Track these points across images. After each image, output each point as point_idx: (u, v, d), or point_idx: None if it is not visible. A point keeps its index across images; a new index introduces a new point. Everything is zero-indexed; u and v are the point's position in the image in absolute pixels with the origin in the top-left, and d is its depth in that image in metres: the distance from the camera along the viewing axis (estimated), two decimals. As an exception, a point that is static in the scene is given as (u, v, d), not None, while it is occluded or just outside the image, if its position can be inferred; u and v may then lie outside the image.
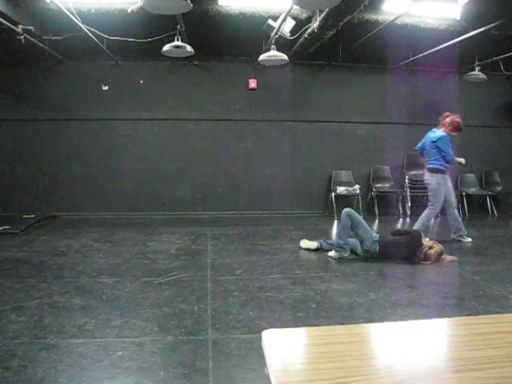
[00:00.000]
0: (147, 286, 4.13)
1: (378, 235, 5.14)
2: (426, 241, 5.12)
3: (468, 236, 6.19)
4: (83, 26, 5.87)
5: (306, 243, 5.60)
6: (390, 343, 1.01)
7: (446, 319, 1.11)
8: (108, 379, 2.44)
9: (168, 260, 5.08)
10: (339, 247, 5.15)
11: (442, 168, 5.93)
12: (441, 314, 3.53)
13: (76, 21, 5.62)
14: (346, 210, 5.16)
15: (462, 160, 6.16)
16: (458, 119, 5.97)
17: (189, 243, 6.00)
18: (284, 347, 0.93)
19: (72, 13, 5.50)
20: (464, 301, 3.90)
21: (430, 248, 4.96)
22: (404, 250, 4.97)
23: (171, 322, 3.28)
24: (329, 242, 5.52)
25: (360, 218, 5.17)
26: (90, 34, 6.20)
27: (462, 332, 1.09)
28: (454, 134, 6.00)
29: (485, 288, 4.23)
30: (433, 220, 6.23)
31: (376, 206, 8.59)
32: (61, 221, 7.71)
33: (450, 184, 6.11)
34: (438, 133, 6.00)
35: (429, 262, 4.92)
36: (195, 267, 4.80)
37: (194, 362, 2.68)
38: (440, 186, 5.97)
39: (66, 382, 2.39)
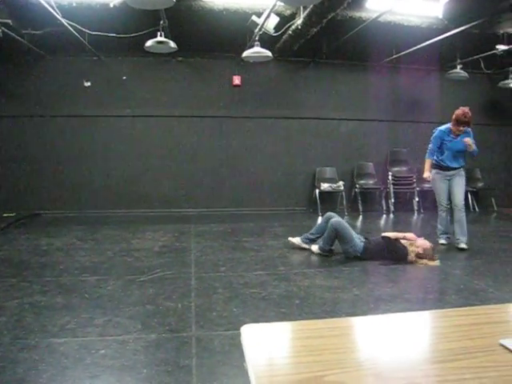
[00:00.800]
0: (130, 283, 4.10)
1: (363, 240, 5.04)
2: (421, 240, 4.96)
3: (442, 238, 5.82)
4: (64, 21, 5.77)
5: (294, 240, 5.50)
6: (369, 336, 1.01)
7: (425, 312, 1.12)
8: (90, 378, 2.42)
9: (152, 257, 5.05)
10: (324, 251, 5.12)
11: (434, 163, 5.75)
12: (423, 307, 3.56)
13: (56, 15, 5.53)
14: (332, 221, 5.01)
15: (426, 174, 5.76)
16: (459, 110, 5.45)
17: (173, 240, 5.97)
18: (263, 342, 0.92)
19: (52, 6, 5.42)
20: (445, 295, 3.95)
21: (417, 246, 4.83)
22: (387, 253, 4.88)
23: (155, 320, 3.26)
24: (312, 233, 5.40)
25: (346, 229, 4.94)
26: (71, 29, 6.11)
27: (440, 324, 1.10)
28: (461, 128, 5.42)
29: (465, 282, 4.29)
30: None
31: (360, 202, 8.64)
32: (42, 219, 7.62)
33: (442, 183, 5.70)
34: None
35: (424, 261, 4.79)
36: (179, 264, 4.78)
37: (178, 359, 2.67)
38: (433, 181, 5.77)
39: (46, 382, 2.36)
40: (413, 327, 1.06)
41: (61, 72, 7.87)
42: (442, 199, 5.74)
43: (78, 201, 8.09)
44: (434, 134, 5.75)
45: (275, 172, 8.70)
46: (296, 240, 5.45)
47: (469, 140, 5.41)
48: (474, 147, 5.46)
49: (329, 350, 0.88)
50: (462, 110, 5.41)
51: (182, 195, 8.40)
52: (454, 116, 5.47)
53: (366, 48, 7.86)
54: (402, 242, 4.90)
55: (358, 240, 4.98)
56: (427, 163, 5.77)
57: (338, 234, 4.94)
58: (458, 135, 5.51)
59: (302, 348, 0.93)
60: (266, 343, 0.92)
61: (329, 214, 5.35)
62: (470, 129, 5.56)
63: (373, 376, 0.81)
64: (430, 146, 5.75)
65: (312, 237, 5.33)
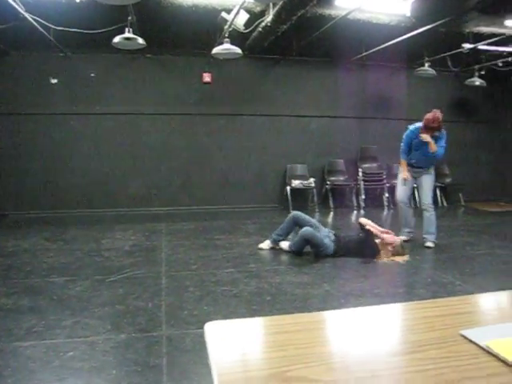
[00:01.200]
0: (100, 284, 4.04)
1: (333, 239, 5.03)
2: (390, 237, 4.97)
3: (403, 234, 5.74)
4: (27, 15, 5.62)
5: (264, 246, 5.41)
6: (333, 331, 1.02)
7: (390, 305, 1.13)
8: (58, 381, 2.38)
9: (122, 257, 4.99)
10: (294, 253, 5.07)
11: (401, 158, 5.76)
12: (392, 301, 3.58)
13: (19, 9, 5.38)
14: (303, 233, 4.92)
15: (404, 175, 5.68)
16: (429, 115, 5.35)
17: (143, 239, 5.90)
18: (226, 339, 0.92)
19: (15, 0, 5.26)
20: (414, 289, 4.02)
21: (388, 244, 4.89)
22: (362, 249, 4.91)
23: (124, 320, 3.22)
24: (279, 234, 5.33)
25: (316, 237, 4.88)
26: (36, 24, 5.94)
27: (404, 317, 1.12)
28: (428, 134, 5.36)
29: (434, 276, 4.38)
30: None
31: (331, 198, 8.71)
32: (9, 220, 7.42)
33: (401, 180, 5.76)
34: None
35: (394, 257, 4.84)
36: (149, 264, 4.73)
37: (148, 359, 2.65)
38: (399, 176, 5.79)
39: (12, 387, 2.31)
40: (378, 320, 1.07)
41: (26, 68, 7.66)
42: (403, 196, 5.76)
43: (46, 201, 7.90)
44: (406, 133, 5.73)
45: (246, 169, 8.70)
46: (265, 245, 5.36)
47: (427, 137, 5.30)
48: (435, 148, 5.35)
49: (293, 346, 0.88)
50: (432, 115, 5.30)
51: (153, 194, 8.30)
52: (424, 120, 5.38)
53: (336, 45, 7.90)
54: (376, 240, 4.96)
55: (328, 240, 4.98)
56: (403, 164, 5.74)
57: (309, 243, 4.94)
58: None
59: (265, 344, 0.93)
60: (229, 340, 0.92)
61: (293, 214, 5.34)
62: (444, 131, 5.54)
63: (336, 370, 0.81)
64: (402, 145, 5.73)
65: (280, 238, 5.32)
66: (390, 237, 4.97)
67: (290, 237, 5.32)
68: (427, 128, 5.34)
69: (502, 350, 0.85)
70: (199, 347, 2.75)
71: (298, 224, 5.22)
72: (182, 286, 3.99)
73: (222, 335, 0.93)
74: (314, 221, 5.31)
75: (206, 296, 3.74)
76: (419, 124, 5.52)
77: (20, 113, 7.70)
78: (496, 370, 0.81)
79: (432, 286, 4.07)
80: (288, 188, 8.48)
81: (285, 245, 5.23)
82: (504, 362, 0.83)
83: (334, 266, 4.70)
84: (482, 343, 0.89)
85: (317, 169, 8.89)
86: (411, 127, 5.66)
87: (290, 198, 8.41)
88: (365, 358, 0.87)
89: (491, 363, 0.83)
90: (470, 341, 0.91)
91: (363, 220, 5.17)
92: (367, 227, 5.02)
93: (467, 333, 0.94)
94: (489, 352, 0.86)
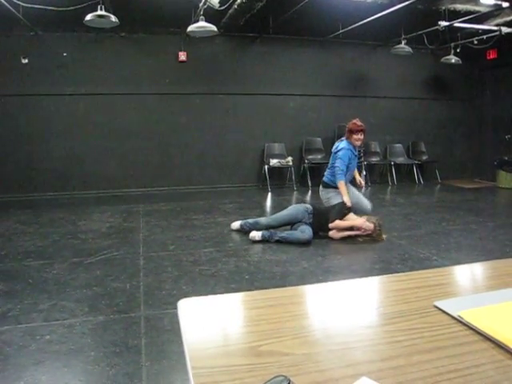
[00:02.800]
0: (77, 266, 4.00)
1: (311, 208, 4.97)
2: (364, 223, 4.85)
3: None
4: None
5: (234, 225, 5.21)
6: (307, 305, 1.02)
7: (364, 279, 1.13)
8: (34, 365, 2.35)
9: (99, 239, 4.94)
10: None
11: (331, 183, 5.48)
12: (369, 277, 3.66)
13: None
14: (308, 236, 4.70)
15: (346, 199, 5.17)
16: (350, 123, 5.40)
17: (120, 221, 5.85)
18: (199, 315, 0.91)
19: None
20: (391, 264, 4.07)
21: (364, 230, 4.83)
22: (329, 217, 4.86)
23: (102, 302, 3.20)
24: (250, 222, 5.06)
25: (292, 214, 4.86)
26: (2, 0, 5.75)
27: (379, 290, 1.12)
28: (360, 136, 5.33)
29: (410, 252, 4.44)
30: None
31: (309, 177, 8.74)
32: (-18, 204, 7.27)
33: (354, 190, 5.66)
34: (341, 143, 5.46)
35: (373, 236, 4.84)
36: (127, 245, 4.69)
37: (126, 339, 2.64)
38: (346, 197, 5.23)
39: (-14, 372, 2.27)
40: (351, 294, 1.07)
41: (-5, 48, 7.43)
42: (366, 204, 5.55)
43: (21, 184, 7.73)
44: (340, 153, 5.31)
45: (224, 149, 8.65)
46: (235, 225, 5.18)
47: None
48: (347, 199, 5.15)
49: (265, 321, 0.88)
50: (352, 121, 5.39)
51: (129, 175, 8.21)
52: (347, 129, 5.39)
53: (313, 23, 7.85)
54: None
55: (308, 226, 4.83)
56: (344, 187, 5.26)
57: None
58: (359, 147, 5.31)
59: (238, 319, 0.92)
60: (202, 316, 0.91)
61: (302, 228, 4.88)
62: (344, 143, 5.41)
63: (309, 343, 0.81)
64: (341, 166, 5.27)
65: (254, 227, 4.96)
66: (362, 221, 4.88)
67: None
68: (353, 131, 5.31)
69: (473, 320, 0.86)
70: (177, 327, 2.71)
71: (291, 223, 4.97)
72: (160, 267, 3.97)
73: (194, 312, 0.92)
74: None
75: (184, 276, 3.74)
76: (346, 142, 5.40)
77: (-10, 94, 7.48)
78: (468, 338, 0.82)
79: (409, 261, 4.14)
80: (266, 167, 8.48)
81: (257, 235, 4.81)
82: (475, 330, 0.84)
83: (313, 243, 4.73)
84: (455, 313, 0.90)
85: (295, 147, 8.90)
86: (346, 146, 5.36)
87: (267, 176, 8.43)
88: (337, 330, 0.87)
89: (463, 332, 0.84)
90: (443, 311, 0.92)
91: (332, 225, 4.91)
92: (331, 226, 4.90)
93: (440, 304, 0.95)
94: (461, 322, 0.87)
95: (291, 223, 4.90)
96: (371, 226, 4.82)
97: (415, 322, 0.88)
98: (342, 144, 5.40)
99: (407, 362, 0.74)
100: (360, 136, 5.34)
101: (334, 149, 5.54)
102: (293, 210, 4.98)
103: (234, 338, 0.83)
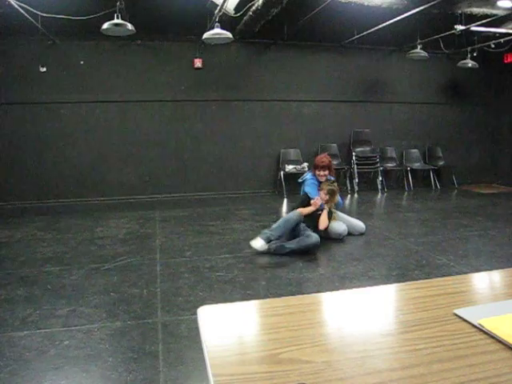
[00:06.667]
0: (95, 272, 4.03)
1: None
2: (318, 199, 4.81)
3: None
4: (13, 2, 5.52)
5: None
6: (326, 313, 1.02)
7: (383, 286, 1.13)
8: (54, 370, 2.38)
9: (116, 245, 4.98)
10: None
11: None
12: (386, 284, 3.63)
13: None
14: (316, 241, 4.60)
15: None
16: (317, 156, 5.37)
17: (137, 227, 5.89)
18: (219, 322, 0.91)
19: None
20: (409, 270, 4.04)
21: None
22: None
23: (120, 308, 3.22)
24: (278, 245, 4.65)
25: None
26: (22, 11, 5.85)
27: (396, 298, 1.12)
28: (321, 173, 5.12)
29: (428, 258, 4.40)
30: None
31: (325, 183, 8.70)
32: (1, 210, 7.37)
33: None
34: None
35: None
36: (144, 251, 4.72)
37: (144, 345, 2.65)
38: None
39: (7, 377, 2.30)
40: (370, 302, 1.07)
41: (14, 57, 7.55)
42: (356, 223, 5.44)
43: (39, 191, 7.85)
44: (307, 188, 5.14)
45: (239, 155, 8.67)
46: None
47: (317, 200, 4.85)
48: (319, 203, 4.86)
49: (284, 328, 0.88)
50: (319, 156, 5.31)
51: (146, 181, 8.28)
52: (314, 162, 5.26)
53: (328, 29, 7.86)
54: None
55: (311, 231, 4.74)
56: (324, 213, 4.91)
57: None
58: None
59: (258, 327, 0.93)
60: (222, 323, 0.91)
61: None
62: (332, 178, 5.28)
63: (328, 351, 0.81)
64: (312, 195, 5.02)
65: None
66: (317, 200, 4.82)
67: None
68: (316, 167, 5.17)
69: (494, 328, 0.85)
70: (194, 333, 2.75)
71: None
72: (177, 273, 3.99)
73: (214, 319, 0.93)
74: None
75: (201, 282, 3.75)
76: (309, 171, 5.41)
77: (10, 102, 7.61)
78: (489, 347, 0.81)
79: (426, 267, 4.10)
80: (281, 173, 8.47)
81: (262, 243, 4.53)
82: (496, 339, 0.83)
83: (328, 249, 4.72)
84: (475, 322, 0.89)
85: (310, 153, 8.86)
86: (309, 177, 5.22)
87: (283, 183, 8.41)
88: (357, 338, 0.87)
89: (484, 341, 0.83)
90: (463, 319, 0.91)
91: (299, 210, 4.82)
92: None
93: (460, 312, 0.94)
94: (481, 330, 0.86)
95: (294, 227, 4.75)
96: (323, 196, 4.85)
97: (435, 330, 0.88)
98: (307, 176, 5.29)
99: (428, 370, 0.74)
100: (324, 172, 5.13)
101: (300, 179, 5.43)
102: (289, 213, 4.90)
103: (253, 346, 0.83)
